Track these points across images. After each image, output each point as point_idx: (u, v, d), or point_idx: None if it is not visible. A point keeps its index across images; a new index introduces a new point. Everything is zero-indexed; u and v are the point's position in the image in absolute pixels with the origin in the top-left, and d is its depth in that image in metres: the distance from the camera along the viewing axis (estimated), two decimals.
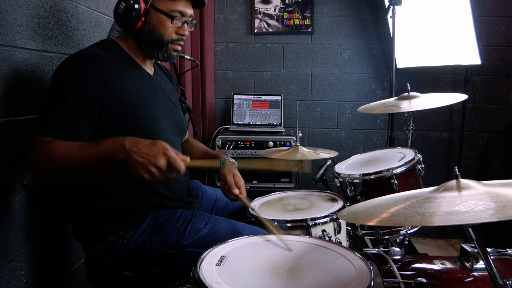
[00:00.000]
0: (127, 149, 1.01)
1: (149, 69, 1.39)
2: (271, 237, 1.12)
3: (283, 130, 2.84)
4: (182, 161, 1.03)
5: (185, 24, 1.31)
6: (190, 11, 1.31)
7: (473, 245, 0.96)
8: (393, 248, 1.17)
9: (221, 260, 0.97)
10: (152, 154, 1.00)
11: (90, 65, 1.17)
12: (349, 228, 1.63)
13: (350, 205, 1.40)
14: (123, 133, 1.19)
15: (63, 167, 1.07)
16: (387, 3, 2.57)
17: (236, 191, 1.37)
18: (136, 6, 1.22)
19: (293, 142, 2.50)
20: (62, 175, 1.10)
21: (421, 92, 2.02)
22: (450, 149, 3.12)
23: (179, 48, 1.34)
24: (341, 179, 1.78)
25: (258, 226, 1.34)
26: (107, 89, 1.18)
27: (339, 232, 1.45)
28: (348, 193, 1.73)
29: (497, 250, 1.10)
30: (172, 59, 1.35)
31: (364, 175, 1.69)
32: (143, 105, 1.26)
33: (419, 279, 0.94)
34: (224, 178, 1.41)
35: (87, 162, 1.06)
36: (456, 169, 0.87)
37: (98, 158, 1.05)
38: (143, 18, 1.25)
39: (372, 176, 1.68)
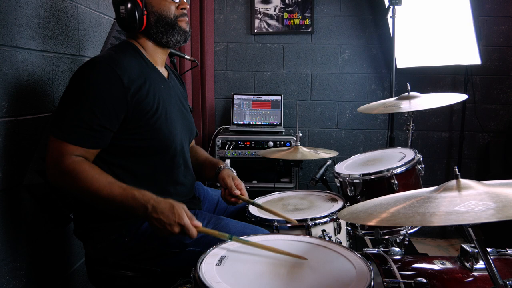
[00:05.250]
0: (148, 213, 1.11)
1: (164, 71, 1.39)
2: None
3: (283, 130, 2.84)
4: (195, 227, 1.11)
5: None
6: None
7: (473, 245, 0.96)
8: (393, 248, 1.17)
9: (221, 260, 0.97)
10: (169, 223, 1.09)
11: (114, 73, 1.16)
12: (349, 228, 1.63)
13: (350, 205, 1.39)
14: (140, 135, 1.23)
15: (84, 195, 1.14)
16: (387, 3, 2.57)
17: (237, 192, 1.38)
18: (133, 3, 1.23)
19: (293, 142, 2.50)
20: (78, 195, 1.18)
21: (421, 92, 2.02)
22: (450, 149, 3.12)
23: (187, 20, 1.35)
24: (341, 179, 1.78)
25: (259, 225, 1.35)
26: (130, 96, 1.18)
27: (339, 232, 1.45)
28: (348, 193, 1.72)
29: (497, 250, 1.10)
30: (188, 36, 1.36)
31: (364, 175, 1.69)
32: (160, 109, 1.27)
33: (419, 279, 0.94)
34: (223, 182, 1.41)
35: (109, 202, 1.13)
36: (456, 169, 0.87)
37: (120, 204, 1.13)
38: (145, 12, 1.26)
39: (372, 176, 1.68)
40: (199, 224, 1.12)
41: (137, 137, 1.23)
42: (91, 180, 1.12)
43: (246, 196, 1.41)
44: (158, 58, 1.35)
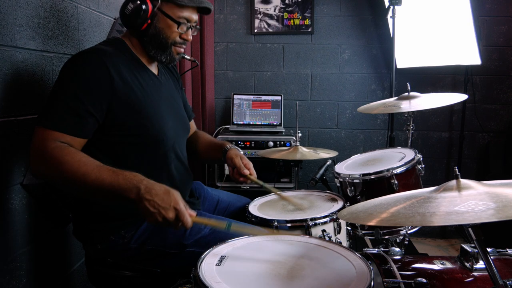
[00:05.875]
0: (141, 194, 1.02)
1: (154, 68, 1.40)
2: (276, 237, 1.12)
3: (283, 130, 2.84)
4: (189, 216, 1.06)
5: (190, 30, 1.33)
6: (195, 17, 1.33)
7: (473, 245, 0.96)
8: (393, 248, 1.17)
9: (221, 260, 0.97)
10: (163, 206, 1.02)
11: (101, 62, 1.17)
12: (349, 228, 1.63)
13: (350, 205, 1.39)
14: (129, 131, 1.22)
15: (70, 181, 1.06)
16: (387, 3, 2.57)
17: (246, 172, 1.40)
18: (144, 7, 1.23)
19: (293, 142, 2.49)
20: (64, 184, 1.09)
21: (421, 92, 2.02)
22: (450, 149, 3.12)
23: (182, 50, 1.36)
24: (341, 179, 1.78)
25: (259, 225, 1.35)
26: (116, 87, 1.19)
27: (339, 232, 1.45)
28: (348, 193, 1.72)
29: (497, 250, 1.10)
30: (174, 62, 1.37)
31: (364, 175, 1.69)
32: (149, 104, 1.27)
33: (419, 279, 0.94)
34: (232, 162, 1.43)
35: (97, 186, 1.05)
36: (456, 169, 0.87)
37: (110, 187, 1.04)
38: (149, 21, 1.26)
39: (372, 176, 1.68)
40: (194, 213, 1.08)
41: (127, 132, 1.22)
42: (78, 164, 1.05)
43: (254, 175, 1.42)
44: (147, 57, 1.36)
